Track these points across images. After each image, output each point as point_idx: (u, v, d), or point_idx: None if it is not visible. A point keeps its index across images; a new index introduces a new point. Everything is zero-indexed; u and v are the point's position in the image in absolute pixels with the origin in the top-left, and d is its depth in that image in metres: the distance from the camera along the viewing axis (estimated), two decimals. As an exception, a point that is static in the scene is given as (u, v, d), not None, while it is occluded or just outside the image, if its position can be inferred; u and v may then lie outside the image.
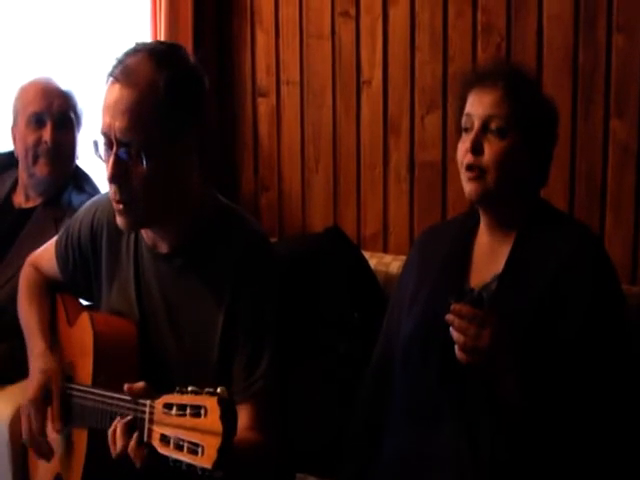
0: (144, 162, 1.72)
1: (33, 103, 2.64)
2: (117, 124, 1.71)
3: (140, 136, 1.71)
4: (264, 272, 1.84)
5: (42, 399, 1.89)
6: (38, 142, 2.63)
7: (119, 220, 1.81)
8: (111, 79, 1.75)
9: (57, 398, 1.88)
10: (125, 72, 1.73)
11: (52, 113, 2.63)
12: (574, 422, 1.71)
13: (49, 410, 1.90)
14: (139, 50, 1.77)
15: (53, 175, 2.66)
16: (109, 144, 1.75)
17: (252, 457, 1.69)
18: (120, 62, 1.75)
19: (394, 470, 1.90)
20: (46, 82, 2.69)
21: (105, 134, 1.75)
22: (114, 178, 1.74)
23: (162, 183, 1.76)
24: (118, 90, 1.73)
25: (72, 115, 2.66)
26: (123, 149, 1.72)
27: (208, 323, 1.83)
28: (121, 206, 1.77)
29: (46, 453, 1.94)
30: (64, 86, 2.69)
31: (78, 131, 2.69)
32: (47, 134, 2.62)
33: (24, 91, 2.69)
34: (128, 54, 1.77)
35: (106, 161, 1.76)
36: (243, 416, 1.72)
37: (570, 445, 1.72)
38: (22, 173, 2.73)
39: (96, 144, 1.78)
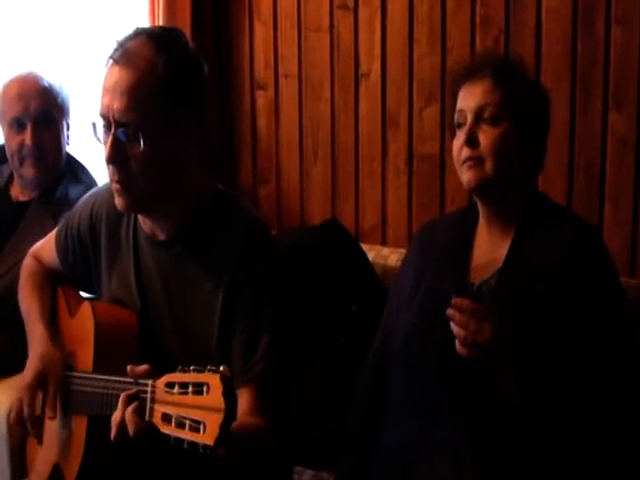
0: (141, 143, 1.72)
1: (11, 108, 2.64)
2: (116, 105, 1.72)
3: (138, 117, 1.72)
4: (262, 258, 1.84)
5: (38, 384, 1.89)
6: (21, 145, 2.64)
7: (117, 201, 1.81)
8: (111, 61, 1.75)
9: (53, 384, 1.89)
10: (125, 54, 1.74)
11: (30, 116, 2.63)
12: (575, 417, 1.71)
13: (45, 396, 1.90)
14: (139, 34, 1.78)
15: (41, 175, 2.67)
16: (107, 125, 1.75)
17: (253, 442, 1.68)
18: (120, 45, 1.76)
19: (393, 463, 1.89)
20: (23, 82, 2.67)
21: (103, 115, 1.76)
22: (112, 159, 1.75)
23: (159, 165, 1.76)
24: (117, 72, 1.74)
25: (53, 111, 2.66)
26: (121, 130, 1.73)
27: (207, 309, 1.82)
28: (119, 186, 1.78)
29: (37, 437, 1.94)
30: (45, 81, 2.67)
31: (65, 122, 2.70)
32: (28, 137, 2.62)
33: (4, 93, 2.68)
34: (128, 38, 1.77)
35: (104, 142, 1.77)
36: (243, 401, 1.72)
37: (571, 441, 1.71)
38: (14, 172, 2.75)
39: (94, 126, 1.79)
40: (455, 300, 1.69)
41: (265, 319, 1.80)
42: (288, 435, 1.86)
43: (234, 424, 1.40)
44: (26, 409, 1.89)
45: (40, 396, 1.91)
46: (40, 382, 1.89)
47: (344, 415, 2.07)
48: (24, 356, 2.01)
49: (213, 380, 1.38)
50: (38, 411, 1.92)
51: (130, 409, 1.51)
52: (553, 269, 1.78)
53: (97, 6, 3.20)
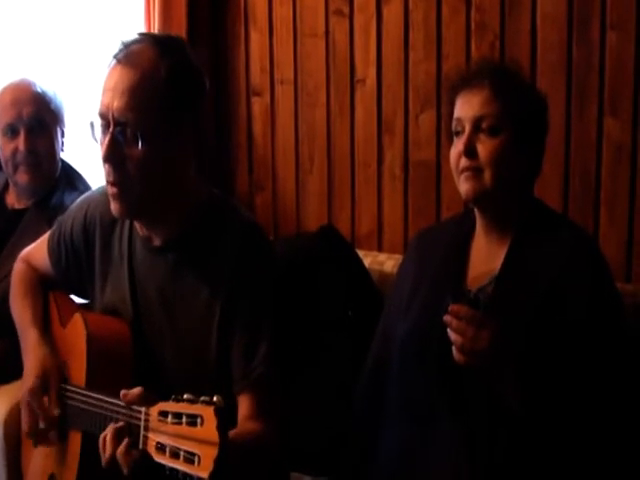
0: (139, 144, 1.72)
1: (4, 115, 2.64)
2: (115, 104, 1.72)
3: (137, 117, 1.72)
4: (260, 263, 1.84)
5: (41, 387, 1.87)
6: (15, 152, 2.64)
7: (113, 206, 1.80)
8: (114, 61, 1.76)
9: (55, 384, 1.87)
10: (128, 55, 1.75)
11: (23, 121, 2.62)
12: (573, 423, 1.71)
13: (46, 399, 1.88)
14: (144, 38, 1.80)
15: (35, 181, 2.66)
16: (106, 125, 1.75)
17: (253, 447, 1.68)
18: (125, 46, 1.77)
19: (391, 468, 1.90)
20: (16, 88, 2.67)
21: (102, 114, 1.75)
22: (108, 157, 1.74)
23: (156, 168, 1.76)
24: (119, 71, 1.74)
25: (46, 117, 2.65)
26: (119, 129, 1.73)
27: (205, 316, 1.82)
28: (115, 189, 1.77)
29: (49, 440, 1.90)
30: (38, 87, 2.66)
31: (59, 128, 2.69)
32: (21, 143, 2.62)
33: None
34: (133, 41, 1.79)
35: (102, 142, 1.76)
36: (243, 405, 1.73)
37: (568, 445, 1.71)
38: (9, 179, 2.75)
39: (92, 126, 1.79)
40: (452, 307, 1.69)
41: (263, 325, 1.80)
42: (286, 440, 1.86)
43: (235, 430, 1.39)
44: (36, 412, 1.86)
45: (44, 399, 1.89)
46: (43, 385, 1.88)
47: (342, 422, 2.07)
48: (20, 363, 2.01)
49: (207, 412, 1.38)
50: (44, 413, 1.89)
51: (122, 447, 1.52)
52: (550, 276, 1.78)
53: (92, 14, 3.20)
